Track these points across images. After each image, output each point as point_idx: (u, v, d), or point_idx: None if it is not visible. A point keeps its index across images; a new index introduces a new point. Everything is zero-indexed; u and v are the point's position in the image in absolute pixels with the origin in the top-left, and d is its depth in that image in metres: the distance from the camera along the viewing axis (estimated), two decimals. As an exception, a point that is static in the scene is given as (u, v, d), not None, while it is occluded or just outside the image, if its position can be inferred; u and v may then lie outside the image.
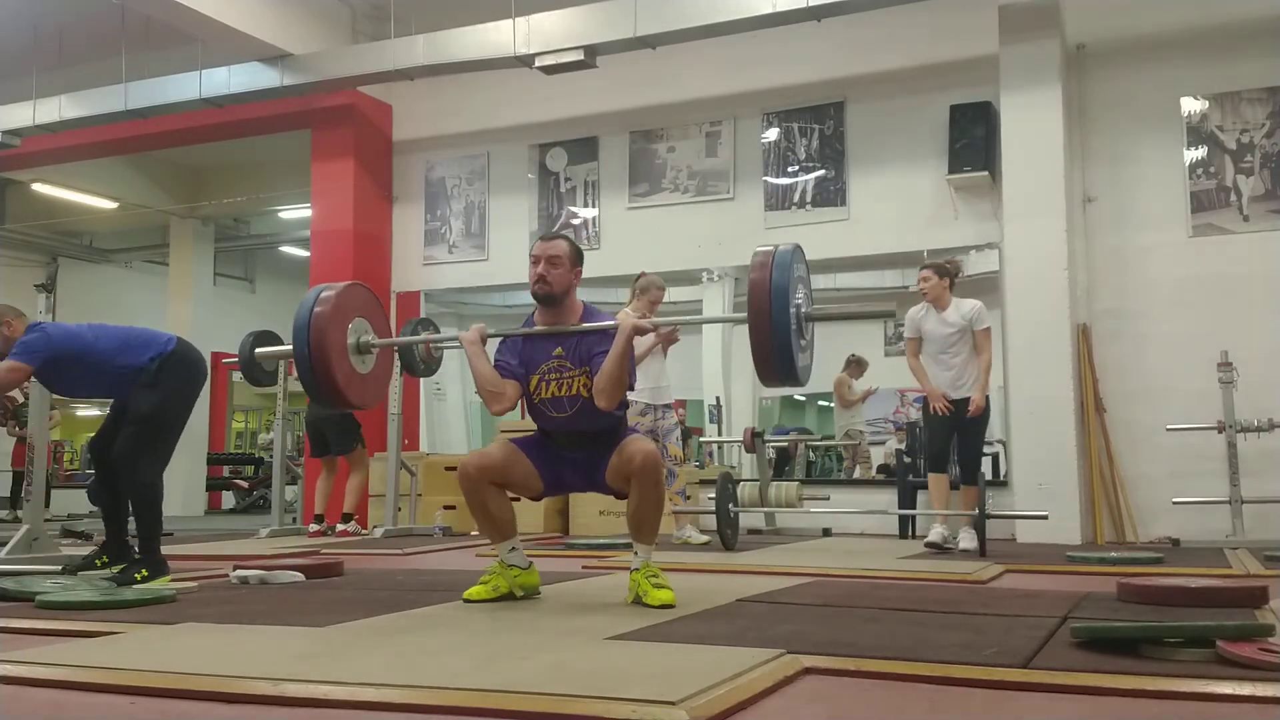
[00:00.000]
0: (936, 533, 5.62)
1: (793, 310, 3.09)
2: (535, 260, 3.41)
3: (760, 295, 3.08)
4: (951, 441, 5.76)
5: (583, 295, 3.57)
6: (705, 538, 6.04)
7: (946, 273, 5.73)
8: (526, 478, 3.43)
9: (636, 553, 3.34)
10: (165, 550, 4.09)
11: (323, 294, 3.65)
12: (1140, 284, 6.87)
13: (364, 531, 7.19)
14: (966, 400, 5.62)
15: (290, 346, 3.63)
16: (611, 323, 3.37)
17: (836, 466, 9.74)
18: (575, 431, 3.41)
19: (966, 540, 5.53)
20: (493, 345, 3.52)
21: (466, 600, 3.33)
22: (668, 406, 5.93)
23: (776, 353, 3.08)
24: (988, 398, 5.67)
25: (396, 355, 6.68)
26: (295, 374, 3.89)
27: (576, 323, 3.42)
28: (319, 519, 7.07)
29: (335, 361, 3.59)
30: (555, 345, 3.40)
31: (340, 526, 7.05)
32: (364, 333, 3.77)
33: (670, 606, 3.14)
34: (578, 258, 3.47)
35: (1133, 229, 6.92)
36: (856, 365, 8.93)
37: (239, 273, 16.14)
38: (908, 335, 5.83)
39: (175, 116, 8.87)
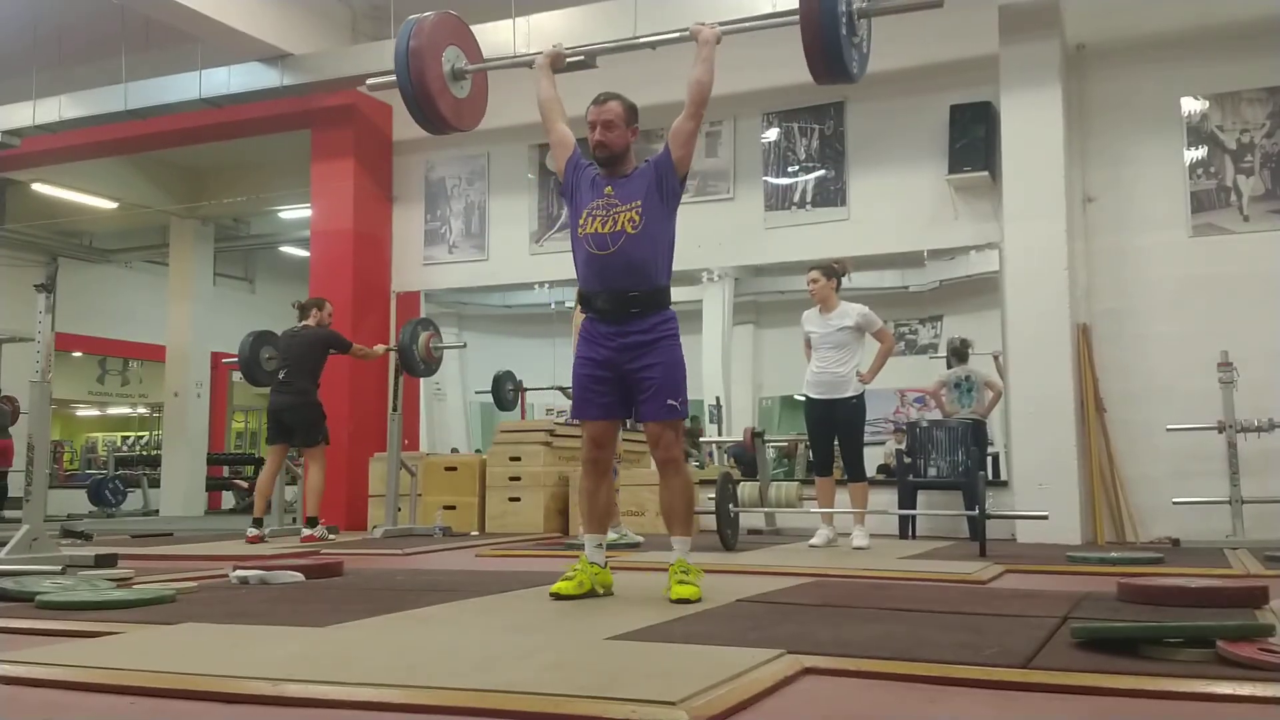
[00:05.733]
0: (821, 535, 5.72)
1: (843, 6, 3.28)
2: (591, 126, 3.54)
3: None
4: (832, 444, 5.77)
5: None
6: (639, 538, 6.03)
7: (834, 274, 5.73)
8: (614, 427, 3.60)
9: (674, 546, 3.51)
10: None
11: (415, 27, 3.89)
12: (1140, 284, 6.86)
13: (331, 535, 6.74)
14: (841, 401, 5.60)
15: (393, 76, 3.90)
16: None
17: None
18: (614, 283, 3.41)
19: (859, 538, 5.60)
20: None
21: (554, 595, 3.40)
22: None
23: (827, 46, 3.30)
24: (861, 397, 5.63)
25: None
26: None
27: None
28: (312, 522, 6.61)
29: (435, 90, 3.88)
30: (607, 184, 3.52)
31: (306, 531, 6.56)
32: (457, 60, 3.99)
33: (687, 601, 3.24)
34: (632, 115, 3.62)
35: (1133, 229, 6.91)
36: None
37: (239, 273, 16.15)
38: (804, 335, 5.83)
39: (175, 116, 8.86)
